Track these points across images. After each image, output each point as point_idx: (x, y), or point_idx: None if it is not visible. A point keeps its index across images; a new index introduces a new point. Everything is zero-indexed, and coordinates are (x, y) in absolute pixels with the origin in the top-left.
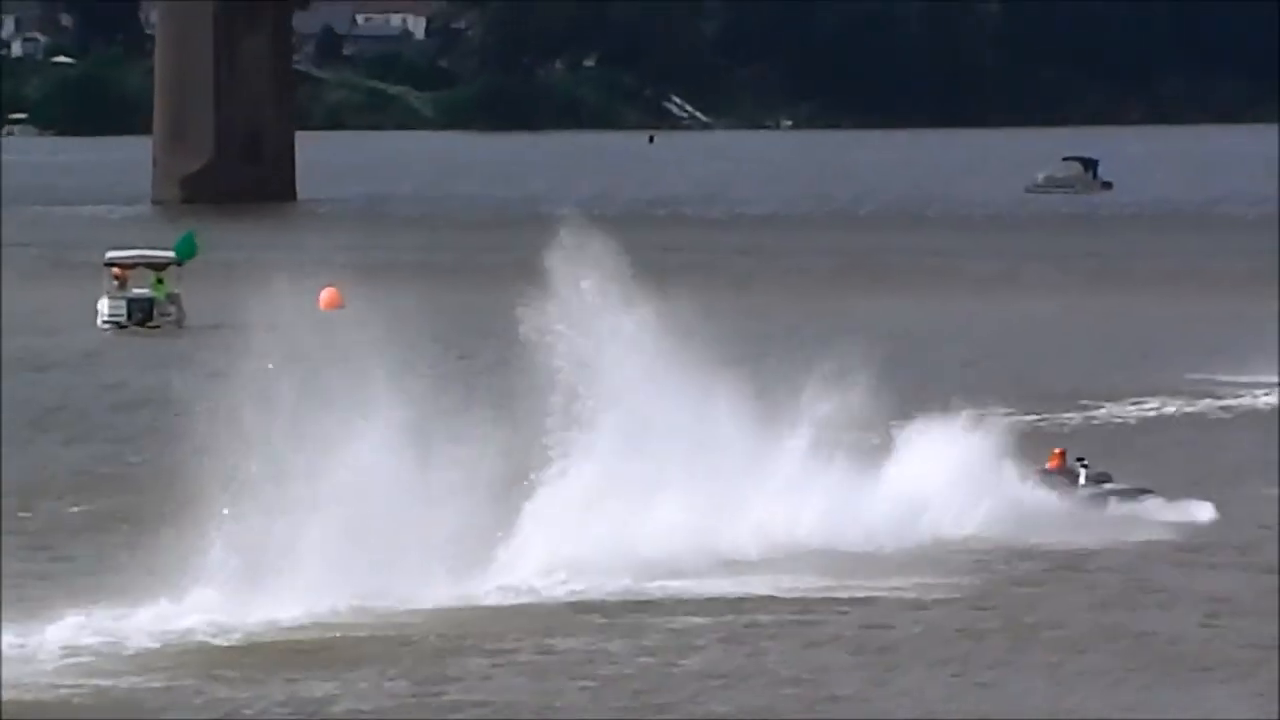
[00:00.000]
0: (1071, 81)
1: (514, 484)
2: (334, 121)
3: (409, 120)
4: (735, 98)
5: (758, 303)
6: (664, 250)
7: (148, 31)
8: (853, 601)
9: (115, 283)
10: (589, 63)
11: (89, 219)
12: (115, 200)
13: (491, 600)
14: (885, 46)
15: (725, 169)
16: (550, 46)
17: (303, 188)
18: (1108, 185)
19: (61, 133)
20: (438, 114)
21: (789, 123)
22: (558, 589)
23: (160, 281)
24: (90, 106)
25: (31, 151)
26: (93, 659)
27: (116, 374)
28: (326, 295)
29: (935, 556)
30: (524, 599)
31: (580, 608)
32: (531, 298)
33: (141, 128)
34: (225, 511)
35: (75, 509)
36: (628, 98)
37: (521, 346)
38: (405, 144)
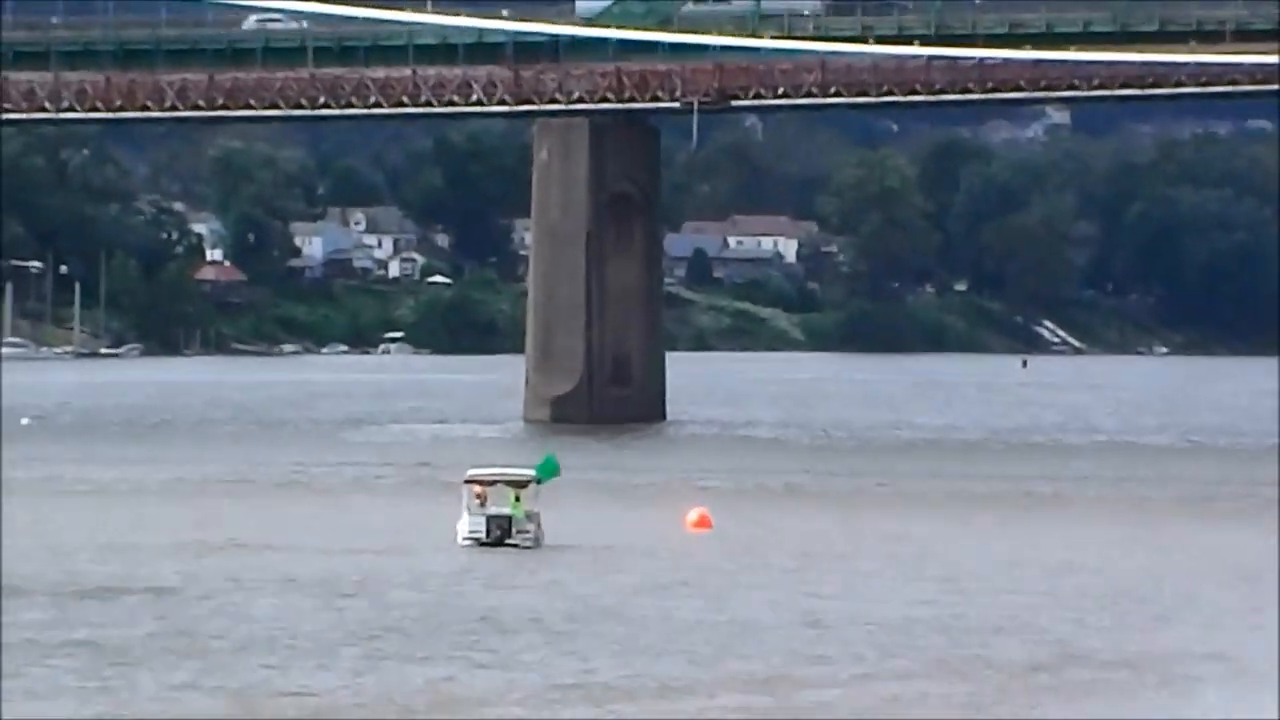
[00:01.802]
0: None
1: None
2: (703, 342)
3: (777, 342)
4: (1107, 323)
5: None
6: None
7: (521, 253)
8: None
9: (476, 500)
10: (959, 288)
11: (460, 439)
12: (487, 420)
13: None
14: (1259, 274)
15: (1095, 398)
16: (919, 272)
17: (672, 409)
18: None
19: (436, 351)
20: (806, 336)
21: (1164, 349)
22: None
23: (518, 500)
24: (463, 326)
25: (407, 370)
26: None
27: (467, 593)
28: (696, 516)
29: None
30: None
31: None
32: None
33: (513, 347)
34: None
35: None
36: (995, 323)
37: None
38: (773, 366)
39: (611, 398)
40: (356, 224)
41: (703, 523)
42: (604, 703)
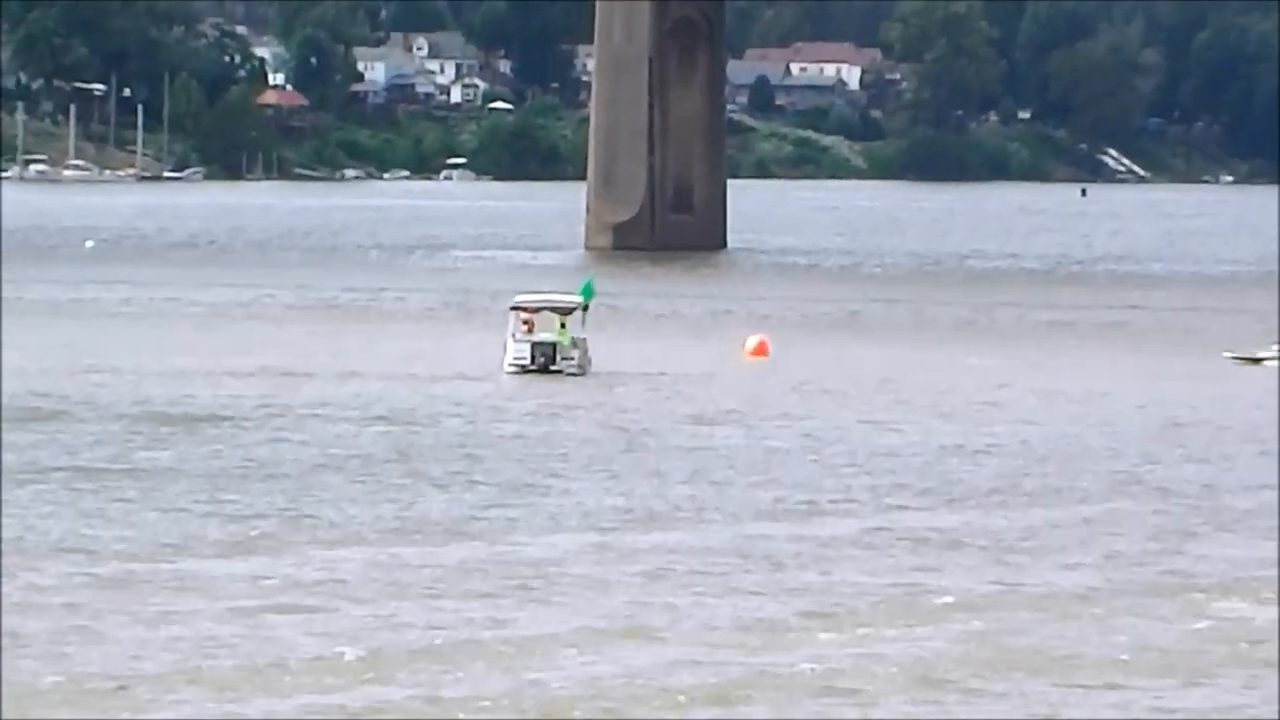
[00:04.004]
0: None
1: None
2: (765, 170)
3: (839, 170)
4: (1173, 152)
5: None
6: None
7: (583, 79)
8: None
9: (523, 327)
10: (1023, 116)
11: (521, 265)
12: (548, 247)
13: None
14: None
15: (1162, 228)
16: (984, 100)
17: (733, 237)
18: None
19: (498, 178)
20: (868, 165)
21: (1229, 178)
22: None
23: (564, 326)
24: (525, 153)
25: (469, 196)
26: None
27: (504, 420)
28: (755, 344)
29: None
30: None
31: None
32: None
33: (575, 174)
34: None
35: None
36: (1059, 152)
37: None
38: (835, 194)
39: (673, 225)
40: (419, 49)
41: (760, 350)
42: (643, 529)
